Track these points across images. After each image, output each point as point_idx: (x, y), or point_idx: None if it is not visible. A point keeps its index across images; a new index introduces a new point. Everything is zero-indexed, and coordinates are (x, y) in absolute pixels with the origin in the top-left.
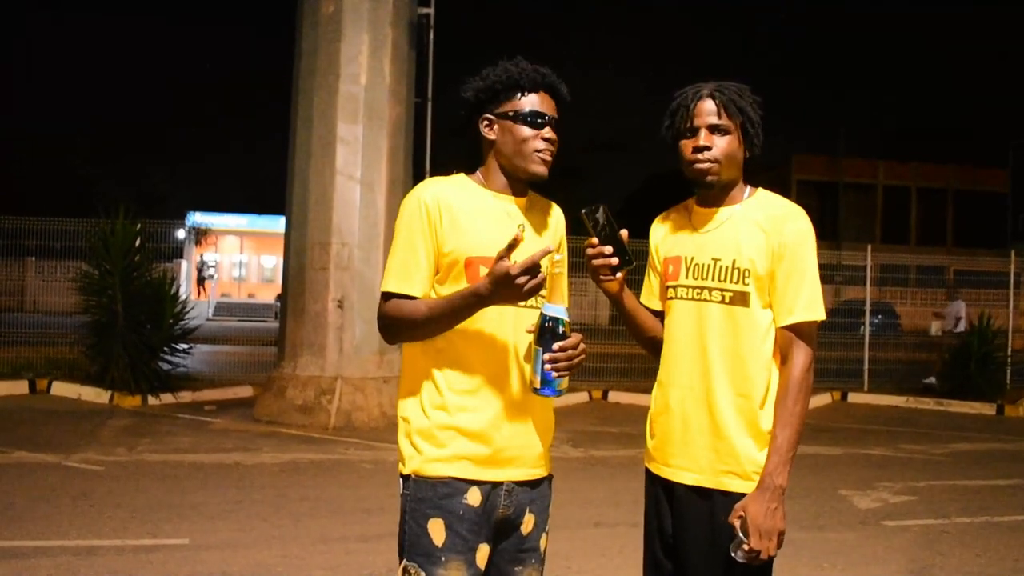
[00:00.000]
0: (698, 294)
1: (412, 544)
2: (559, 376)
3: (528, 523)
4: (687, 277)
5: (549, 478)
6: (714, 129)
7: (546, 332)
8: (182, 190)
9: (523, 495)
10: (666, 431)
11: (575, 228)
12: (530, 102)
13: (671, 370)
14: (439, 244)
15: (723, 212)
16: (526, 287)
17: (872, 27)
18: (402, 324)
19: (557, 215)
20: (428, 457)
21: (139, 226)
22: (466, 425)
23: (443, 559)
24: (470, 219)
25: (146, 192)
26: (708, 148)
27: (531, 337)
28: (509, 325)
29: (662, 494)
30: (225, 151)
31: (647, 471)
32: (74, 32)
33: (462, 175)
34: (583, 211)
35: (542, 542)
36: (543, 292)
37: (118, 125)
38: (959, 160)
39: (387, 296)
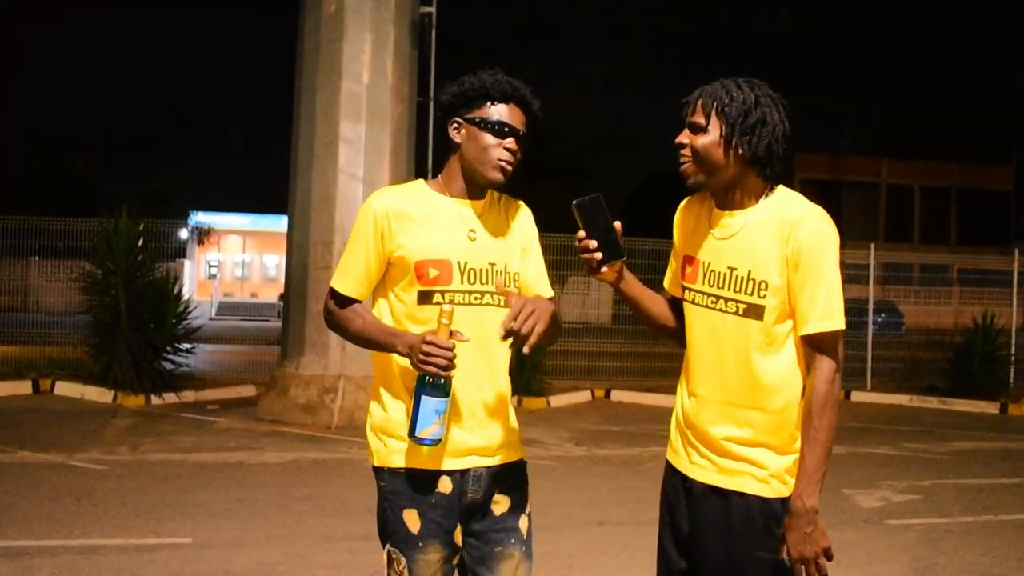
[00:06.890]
0: (713, 303)
1: (392, 532)
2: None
3: (501, 504)
4: (703, 283)
5: (521, 463)
6: (692, 127)
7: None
8: (185, 190)
9: (491, 480)
10: (686, 431)
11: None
12: (498, 112)
13: (690, 376)
14: (387, 251)
15: (738, 219)
16: (421, 360)
17: (874, 24)
18: (335, 323)
19: (522, 215)
20: (393, 449)
21: (142, 226)
22: None
23: (421, 544)
24: (419, 224)
25: (149, 192)
26: (683, 145)
27: (488, 336)
28: (468, 322)
29: (680, 488)
30: (228, 150)
31: (667, 463)
32: (77, 31)
33: (420, 181)
34: (573, 203)
35: (521, 523)
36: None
37: (121, 125)
38: (963, 158)
39: (332, 290)
